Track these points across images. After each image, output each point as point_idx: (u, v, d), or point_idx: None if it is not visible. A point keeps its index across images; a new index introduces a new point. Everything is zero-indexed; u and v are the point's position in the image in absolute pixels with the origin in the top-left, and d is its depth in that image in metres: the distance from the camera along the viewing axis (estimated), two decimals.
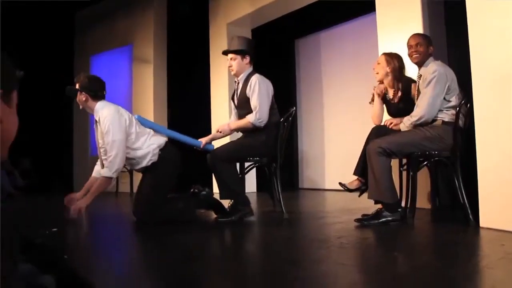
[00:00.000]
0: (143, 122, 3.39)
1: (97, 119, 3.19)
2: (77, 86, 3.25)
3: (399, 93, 3.22)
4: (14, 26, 7.36)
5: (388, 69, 3.21)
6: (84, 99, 3.22)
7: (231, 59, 3.39)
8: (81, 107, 3.32)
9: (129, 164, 3.31)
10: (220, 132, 3.37)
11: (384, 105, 3.34)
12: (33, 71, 7.75)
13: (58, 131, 7.96)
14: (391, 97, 3.27)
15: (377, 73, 3.26)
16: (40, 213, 3.03)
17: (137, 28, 7.22)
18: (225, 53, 3.46)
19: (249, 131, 3.36)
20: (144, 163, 3.20)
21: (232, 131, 3.42)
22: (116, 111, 3.14)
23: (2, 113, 0.79)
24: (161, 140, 3.28)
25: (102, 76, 8.24)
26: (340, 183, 3.20)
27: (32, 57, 7.74)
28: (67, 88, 3.27)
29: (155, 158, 3.20)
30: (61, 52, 8.14)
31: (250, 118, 3.26)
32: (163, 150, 3.23)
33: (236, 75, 3.43)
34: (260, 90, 3.25)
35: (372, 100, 3.35)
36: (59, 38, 8.07)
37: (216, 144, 3.51)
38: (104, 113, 3.12)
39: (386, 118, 3.30)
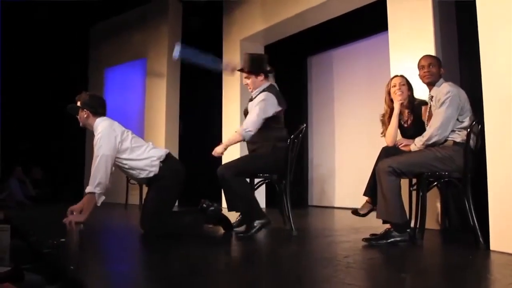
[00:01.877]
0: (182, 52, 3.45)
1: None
2: (78, 103, 3.31)
3: (412, 117, 3.21)
4: (29, 37, 7.52)
5: (409, 92, 3.21)
6: (85, 115, 3.29)
7: (245, 77, 3.47)
8: (81, 124, 3.37)
9: (130, 175, 3.34)
10: (216, 154, 3.34)
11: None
12: (47, 82, 7.91)
13: (70, 142, 8.05)
14: (405, 119, 3.26)
15: (402, 92, 3.21)
16: (50, 223, 3.04)
17: (152, 42, 7.33)
18: (241, 71, 3.54)
19: (255, 147, 3.37)
20: (144, 174, 3.23)
21: (225, 148, 3.35)
22: (108, 127, 3.18)
23: None
24: (161, 152, 3.30)
25: (116, 88, 8.44)
26: (352, 212, 3.20)
27: (47, 68, 7.89)
28: (69, 106, 3.33)
29: (155, 169, 3.21)
30: (76, 64, 8.28)
31: (239, 132, 3.29)
32: (165, 162, 3.25)
33: (252, 91, 3.49)
34: (258, 105, 3.28)
35: (383, 133, 3.32)
36: (74, 50, 8.23)
37: (225, 157, 3.53)
38: (98, 129, 3.18)
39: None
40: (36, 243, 2.91)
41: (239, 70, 3.60)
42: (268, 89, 3.40)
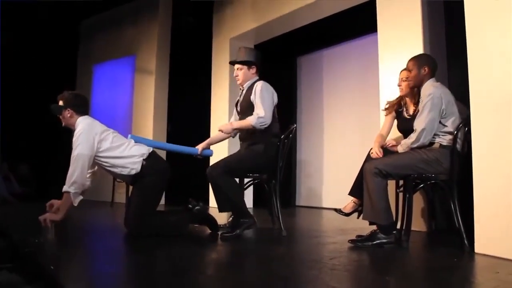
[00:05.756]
0: (136, 139, 3.37)
1: None
2: (60, 103, 3.24)
3: (417, 108, 3.04)
4: (19, 33, 7.42)
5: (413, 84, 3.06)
6: (69, 115, 3.22)
7: (237, 69, 3.46)
8: (64, 124, 3.29)
9: (112, 174, 3.30)
10: (222, 131, 3.34)
11: (396, 121, 3.28)
12: (35, 78, 7.80)
13: (57, 138, 7.95)
14: (411, 113, 3.15)
15: (402, 89, 3.16)
16: (33, 221, 2.99)
17: (141, 39, 7.28)
18: (233, 63, 3.51)
19: (249, 141, 3.35)
20: (126, 171, 3.18)
21: (233, 130, 3.39)
22: (88, 125, 3.12)
23: None
24: (143, 149, 3.24)
25: (104, 85, 8.33)
26: (335, 210, 3.18)
27: (35, 64, 7.79)
28: (52, 106, 3.25)
29: (137, 167, 3.16)
30: (64, 60, 8.19)
31: (251, 120, 3.22)
32: (148, 160, 3.20)
33: (242, 84, 3.48)
34: (262, 94, 3.27)
35: (388, 110, 3.27)
36: (63, 46, 8.13)
37: (215, 152, 3.51)
38: (78, 127, 3.12)
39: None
40: (17, 242, 2.86)
41: (230, 63, 3.58)
42: (260, 80, 3.40)
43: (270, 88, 3.37)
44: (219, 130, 3.41)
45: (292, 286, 1.88)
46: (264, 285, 1.88)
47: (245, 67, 3.43)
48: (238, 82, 3.49)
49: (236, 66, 3.46)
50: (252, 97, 3.33)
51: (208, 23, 6.60)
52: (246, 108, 3.40)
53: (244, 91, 3.47)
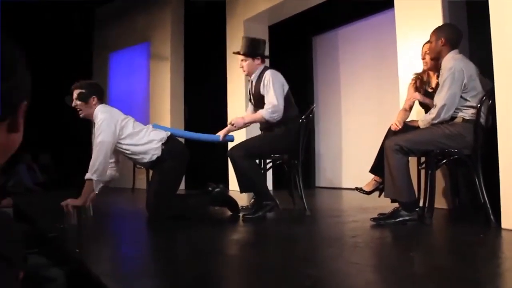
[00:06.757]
0: (158, 128, 3.41)
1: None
2: (83, 91, 3.24)
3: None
4: (34, 22, 7.47)
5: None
6: (94, 102, 3.23)
7: (242, 60, 3.41)
8: (82, 115, 3.28)
9: (134, 161, 3.32)
10: (233, 125, 3.30)
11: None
12: (52, 67, 7.88)
13: (78, 127, 8.04)
14: (433, 86, 3.07)
15: (426, 62, 3.06)
16: (57, 208, 3.05)
17: (155, 26, 7.26)
18: (237, 53, 3.46)
19: (268, 127, 3.32)
20: (147, 158, 3.20)
21: (246, 124, 3.37)
22: (108, 113, 3.15)
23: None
24: (162, 134, 3.26)
25: (120, 73, 8.35)
26: (356, 188, 3.14)
27: (52, 54, 7.86)
28: (79, 93, 3.24)
29: (158, 152, 3.18)
30: (80, 49, 8.23)
31: (263, 113, 3.20)
32: (167, 144, 3.21)
33: (248, 75, 3.44)
34: (271, 85, 3.22)
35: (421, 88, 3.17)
36: (78, 35, 8.17)
37: (235, 134, 3.50)
38: (99, 116, 3.14)
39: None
40: (42, 228, 2.92)
41: (234, 53, 3.50)
42: (267, 68, 3.35)
43: (279, 76, 3.31)
44: (230, 124, 3.34)
45: (314, 264, 1.87)
46: (286, 263, 1.87)
47: (249, 58, 3.37)
48: (245, 73, 3.47)
49: (240, 57, 3.41)
50: (261, 89, 3.28)
51: (221, 5, 6.53)
52: (258, 100, 3.37)
53: (253, 83, 3.42)
